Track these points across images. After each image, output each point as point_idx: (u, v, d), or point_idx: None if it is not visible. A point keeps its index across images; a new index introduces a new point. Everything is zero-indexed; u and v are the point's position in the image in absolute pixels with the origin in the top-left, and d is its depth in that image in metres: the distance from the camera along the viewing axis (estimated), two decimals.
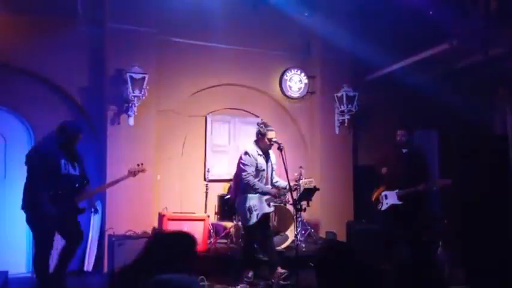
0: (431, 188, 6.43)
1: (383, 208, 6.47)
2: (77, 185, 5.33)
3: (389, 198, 6.43)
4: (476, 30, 6.72)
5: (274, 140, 5.85)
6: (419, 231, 6.25)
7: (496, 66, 7.22)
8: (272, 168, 6.05)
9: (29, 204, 5.05)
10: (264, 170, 5.89)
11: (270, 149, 6.01)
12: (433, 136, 8.41)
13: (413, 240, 6.03)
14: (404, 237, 6.14)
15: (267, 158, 5.97)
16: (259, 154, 5.88)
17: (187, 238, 2.92)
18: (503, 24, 6.57)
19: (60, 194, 5.07)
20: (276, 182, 6.11)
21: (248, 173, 5.77)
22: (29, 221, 5.08)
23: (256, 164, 5.82)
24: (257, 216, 5.82)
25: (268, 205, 5.93)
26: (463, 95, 7.50)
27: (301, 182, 6.39)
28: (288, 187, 5.76)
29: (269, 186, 5.96)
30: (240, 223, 6.60)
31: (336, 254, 2.79)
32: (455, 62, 7.61)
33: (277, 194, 5.92)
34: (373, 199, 6.67)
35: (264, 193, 5.83)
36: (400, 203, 6.34)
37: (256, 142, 5.96)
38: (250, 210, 5.81)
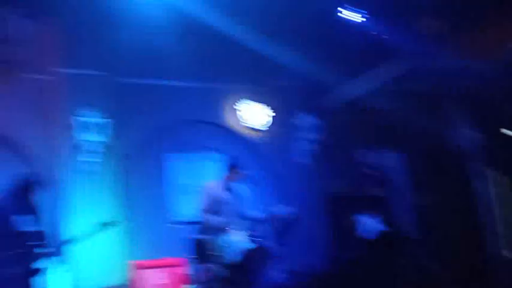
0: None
1: (364, 235, 6.41)
2: (34, 243, 4.93)
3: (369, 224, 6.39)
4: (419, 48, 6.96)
5: (241, 172, 5.88)
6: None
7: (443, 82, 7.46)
8: (241, 200, 5.94)
9: None
10: (227, 203, 5.80)
11: (238, 181, 5.94)
12: (398, 157, 8.47)
13: None
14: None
15: (234, 190, 5.88)
16: (224, 188, 5.82)
17: None
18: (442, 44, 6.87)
19: (14, 254, 4.70)
20: (249, 214, 5.97)
21: (201, 209, 5.74)
22: None
23: (217, 197, 5.77)
24: (232, 253, 5.64)
25: (244, 240, 5.77)
26: (420, 113, 7.66)
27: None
28: (262, 218, 5.80)
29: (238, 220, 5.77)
30: (216, 265, 6.34)
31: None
32: (406, 82, 7.78)
33: (224, 226, 5.71)
34: (346, 226, 6.60)
35: (216, 226, 5.70)
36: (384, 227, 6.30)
37: (224, 176, 5.94)
38: (223, 248, 5.63)
